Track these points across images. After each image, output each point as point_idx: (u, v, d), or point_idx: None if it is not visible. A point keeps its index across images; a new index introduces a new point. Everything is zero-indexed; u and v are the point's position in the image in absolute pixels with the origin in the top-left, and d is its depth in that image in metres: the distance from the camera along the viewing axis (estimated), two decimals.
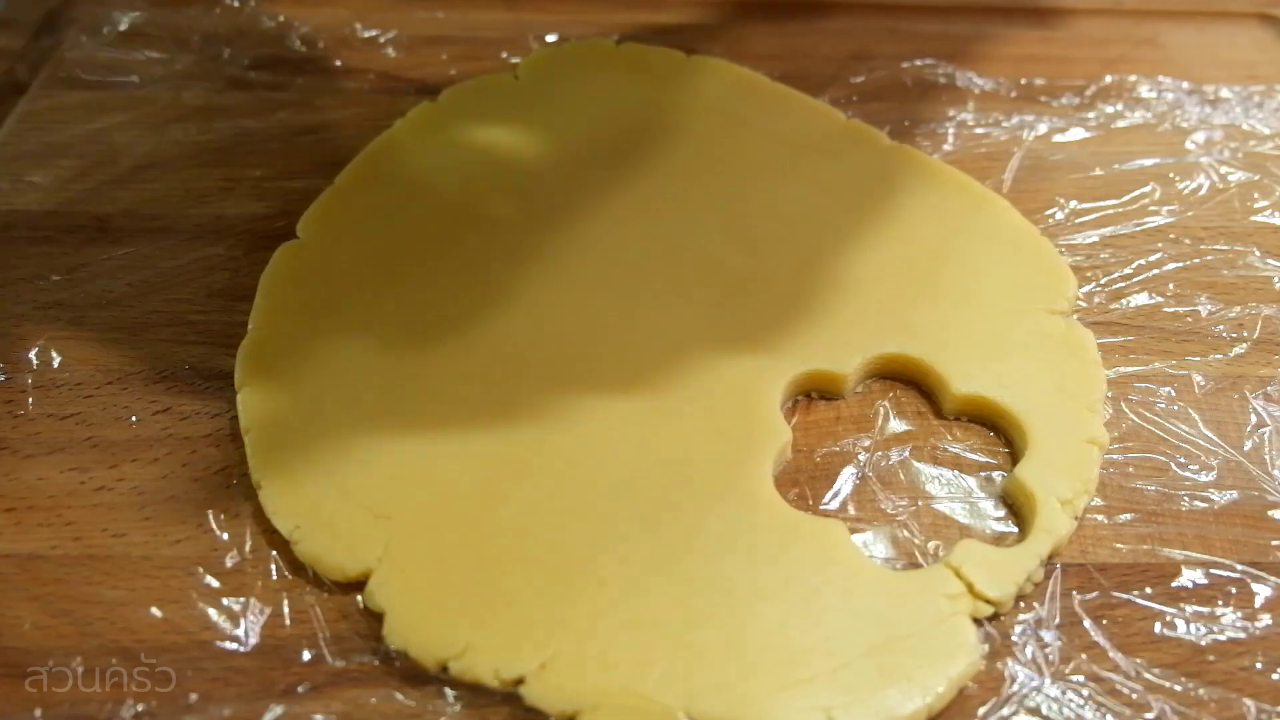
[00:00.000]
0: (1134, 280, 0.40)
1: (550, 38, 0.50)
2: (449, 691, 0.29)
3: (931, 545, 0.32)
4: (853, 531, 0.32)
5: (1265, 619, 0.30)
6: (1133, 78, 0.49)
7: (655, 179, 0.42)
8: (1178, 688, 0.29)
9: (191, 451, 0.34)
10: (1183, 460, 0.34)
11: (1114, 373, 0.37)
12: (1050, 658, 0.29)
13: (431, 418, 0.34)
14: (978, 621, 0.30)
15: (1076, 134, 0.46)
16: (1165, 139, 0.46)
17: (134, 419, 0.35)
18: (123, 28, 0.50)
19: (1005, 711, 0.28)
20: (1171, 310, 0.39)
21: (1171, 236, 0.42)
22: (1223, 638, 0.30)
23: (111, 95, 0.47)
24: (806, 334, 0.36)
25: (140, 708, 0.28)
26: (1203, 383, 0.36)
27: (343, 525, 0.31)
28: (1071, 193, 0.43)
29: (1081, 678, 0.29)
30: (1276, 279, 0.40)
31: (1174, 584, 0.31)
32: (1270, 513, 0.33)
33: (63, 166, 0.44)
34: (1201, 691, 0.29)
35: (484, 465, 0.33)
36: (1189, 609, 0.31)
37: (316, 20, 0.51)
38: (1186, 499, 0.33)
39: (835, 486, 0.34)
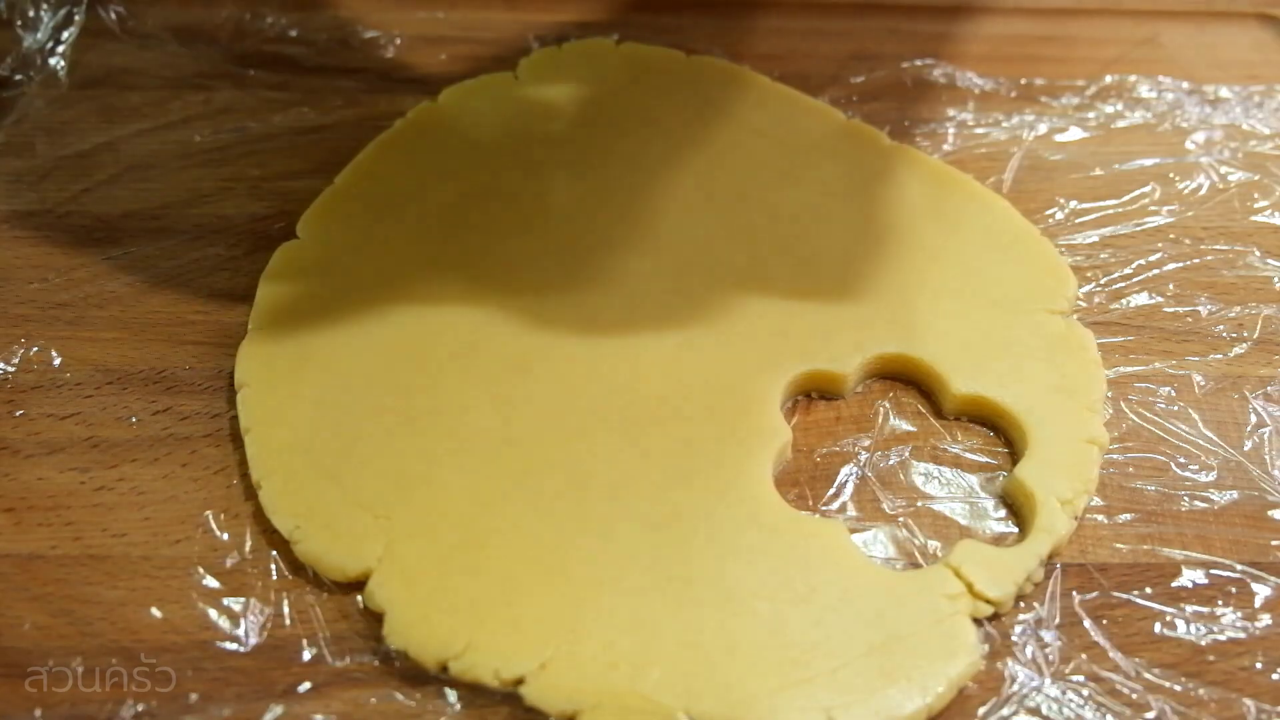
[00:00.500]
0: (1134, 280, 0.40)
1: (550, 38, 0.50)
2: (449, 691, 0.29)
3: (931, 545, 0.32)
4: (853, 531, 0.32)
5: (1265, 619, 0.30)
6: (1133, 78, 0.49)
7: (655, 179, 0.42)
8: (1178, 688, 0.29)
9: (191, 451, 0.34)
10: (1183, 460, 0.34)
11: (1114, 373, 0.37)
12: (1050, 658, 0.29)
13: (432, 418, 0.34)
14: (978, 621, 0.30)
15: (1076, 134, 0.46)
16: (1165, 139, 0.46)
17: (134, 419, 0.35)
18: (123, 28, 0.50)
19: (1005, 711, 0.28)
20: (1171, 310, 0.39)
21: (1171, 236, 0.42)
22: (1223, 638, 0.30)
23: (112, 95, 0.47)
24: (806, 334, 0.36)
25: (140, 708, 0.28)
26: (1203, 383, 0.36)
27: (343, 525, 0.31)
28: (1071, 193, 0.43)
29: (1081, 678, 0.29)
30: (1276, 279, 0.40)
31: (1174, 584, 0.31)
32: (1270, 513, 0.33)
33: (63, 166, 0.44)
34: (1201, 691, 0.29)
35: (484, 465, 0.33)
36: (1189, 609, 0.31)
37: (316, 20, 0.51)
38: (1186, 499, 0.33)
39: (835, 486, 0.34)
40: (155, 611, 0.30)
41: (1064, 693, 0.29)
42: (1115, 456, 0.34)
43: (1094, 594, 0.31)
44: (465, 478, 0.32)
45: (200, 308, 0.38)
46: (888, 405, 0.36)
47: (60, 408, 0.35)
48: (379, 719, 0.28)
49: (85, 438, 0.34)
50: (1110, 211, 0.43)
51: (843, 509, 0.33)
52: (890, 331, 0.36)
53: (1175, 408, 0.36)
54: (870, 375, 0.37)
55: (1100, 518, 0.33)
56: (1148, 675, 0.29)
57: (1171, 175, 0.44)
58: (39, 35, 0.49)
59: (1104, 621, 0.30)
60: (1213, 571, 0.32)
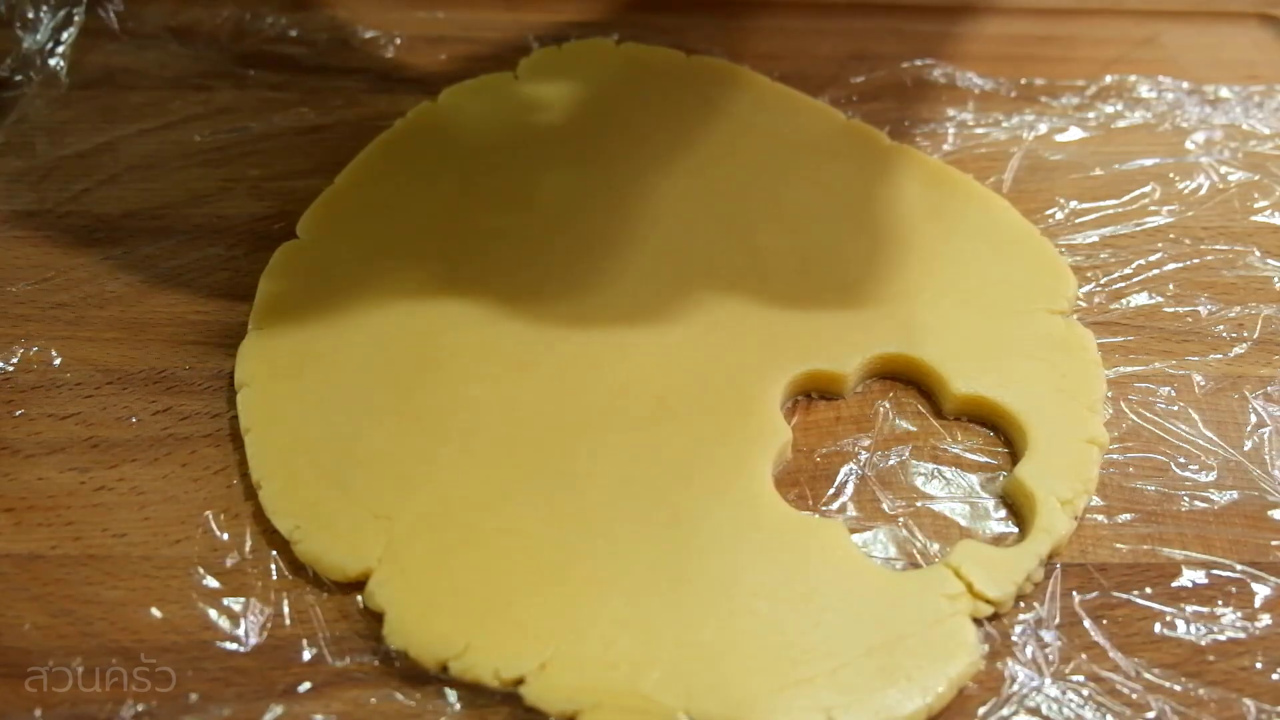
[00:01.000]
0: (1134, 280, 0.40)
1: (550, 38, 0.50)
2: (449, 691, 0.29)
3: (931, 545, 0.32)
4: (853, 531, 0.32)
5: (1265, 619, 0.30)
6: (1133, 78, 0.49)
7: (655, 179, 0.42)
8: (1178, 688, 0.29)
9: (191, 451, 0.34)
10: (1183, 460, 0.34)
11: (1114, 373, 0.37)
12: (1050, 658, 0.29)
13: (432, 417, 0.34)
14: (978, 621, 0.30)
15: (1076, 134, 0.46)
16: (1165, 139, 0.46)
17: (134, 419, 0.35)
18: (123, 28, 0.50)
19: (1005, 711, 0.28)
20: (1171, 310, 0.39)
21: (1171, 236, 0.42)
22: (1223, 638, 0.30)
23: (112, 95, 0.47)
24: (806, 334, 0.36)
25: (140, 708, 0.28)
26: (1203, 383, 0.36)
27: (343, 525, 0.31)
28: (1071, 193, 0.43)
29: (1081, 678, 0.29)
30: (1276, 279, 0.40)
31: (1174, 584, 0.31)
32: (1270, 513, 0.33)
33: (63, 166, 0.44)
34: (1201, 691, 0.29)
35: (484, 465, 0.33)
36: (1189, 609, 0.31)
37: (316, 20, 0.51)
38: (1186, 499, 0.33)
39: (835, 486, 0.34)
40: (155, 611, 0.30)
41: (1064, 693, 0.29)
42: (1115, 456, 0.34)
43: (1094, 594, 0.31)
44: (465, 478, 0.32)
45: (200, 308, 0.38)
46: (888, 405, 0.36)
47: (60, 408, 0.35)
48: (379, 719, 0.28)
49: (85, 438, 0.34)
50: (1110, 211, 0.43)
51: (843, 509, 0.33)
52: (890, 331, 0.36)
53: (1175, 408, 0.36)
54: (870, 375, 0.37)
55: (1100, 518, 0.33)
56: (1148, 675, 0.29)
57: (1171, 175, 0.44)
58: (39, 36, 0.49)
59: (1104, 621, 0.30)
60: (1213, 571, 0.32)
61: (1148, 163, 0.45)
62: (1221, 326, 0.38)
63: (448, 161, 0.43)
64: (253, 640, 0.30)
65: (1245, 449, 0.35)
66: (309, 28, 0.51)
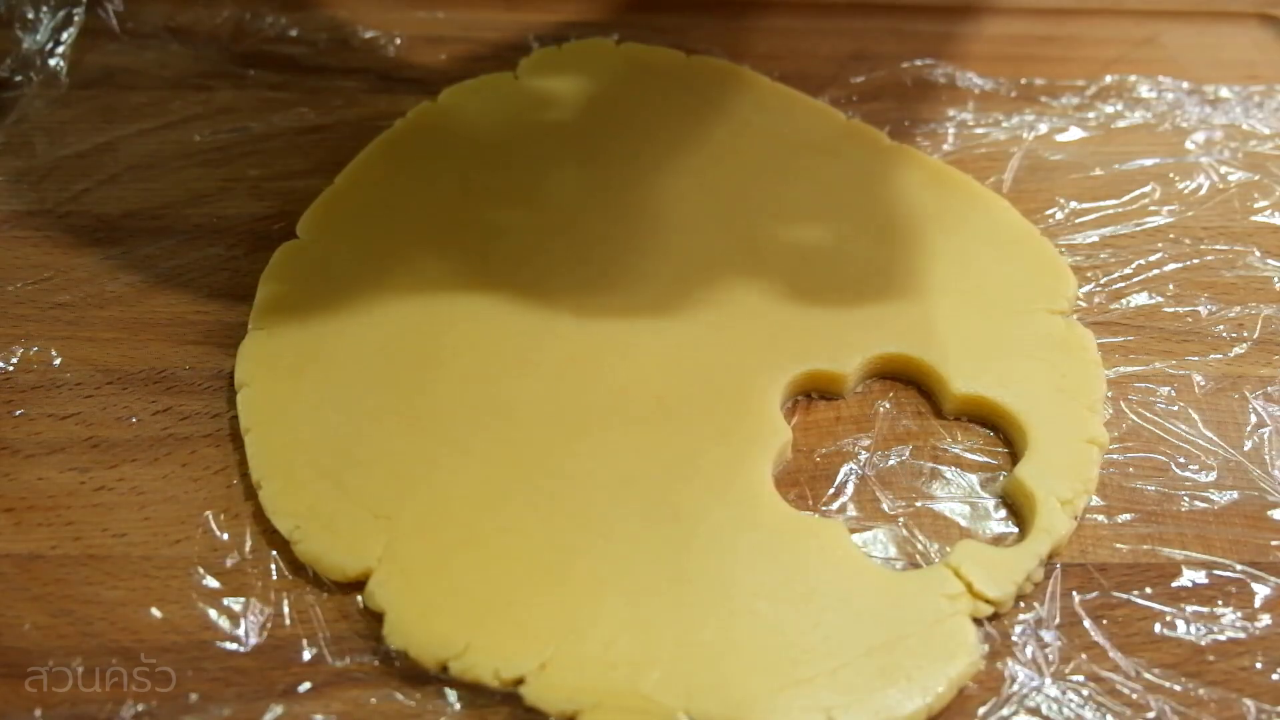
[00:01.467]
0: (1134, 280, 0.40)
1: (550, 38, 0.50)
2: (449, 691, 0.29)
3: (932, 545, 0.32)
4: (853, 531, 0.32)
5: (1265, 619, 0.30)
6: (1133, 78, 0.49)
7: (655, 179, 0.42)
8: (1178, 688, 0.29)
9: (191, 451, 0.34)
10: (1183, 460, 0.34)
11: (1114, 373, 0.37)
12: (1050, 658, 0.29)
13: (432, 417, 0.34)
14: (978, 621, 0.30)
15: (1076, 134, 0.46)
16: (1165, 139, 0.46)
17: (134, 419, 0.35)
18: (123, 28, 0.50)
19: (1005, 711, 0.28)
20: (1171, 310, 0.39)
21: (1171, 236, 0.42)
22: (1223, 638, 0.30)
23: (112, 95, 0.47)
24: (806, 334, 0.36)
25: (140, 708, 0.28)
26: (1203, 383, 0.36)
27: (343, 525, 0.31)
28: (1071, 193, 0.43)
29: (1081, 678, 0.29)
30: (1276, 279, 0.40)
31: (1174, 584, 0.31)
32: (1270, 513, 0.33)
33: (63, 166, 0.44)
34: (1201, 691, 0.29)
35: (484, 464, 0.33)
36: (1189, 609, 0.31)
37: (316, 20, 0.51)
38: (1186, 499, 0.33)
39: (835, 486, 0.34)
40: (155, 611, 0.30)
41: (1064, 693, 0.29)
42: (1115, 456, 0.34)
43: (1094, 594, 0.31)
44: (466, 478, 0.32)
45: (200, 308, 0.38)
46: (888, 405, 0.36)
47: (60, 408, 0.35)
48: (379, 719, 0.28)
49: (85, 438, 0.34)
50: (1110, 211, 0.43)
51: (843, 509, 0.33)
52: (890, 331, 0.36)
53: (1175, 408, 0.36)
54: (870, 375, 0.37)
55: (1100, 518, 0.33)
56: (1148, 675, 0.29)
57: (1171, 175, 0.44)
58: (39, 36, 0.49)
59: (1104, 621, 0.30)
60: (1213, 571, 0.32)
61: (1148, 163, 0.45)
62: (1221, 326, 0.38)
63: (448, 161, 0.43)
64: (253, 640, 0.30)
65: (1245, 449, 0.35)
66: (309, 28, 0.51)
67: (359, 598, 0.30)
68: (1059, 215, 0.42)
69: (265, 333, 0.36)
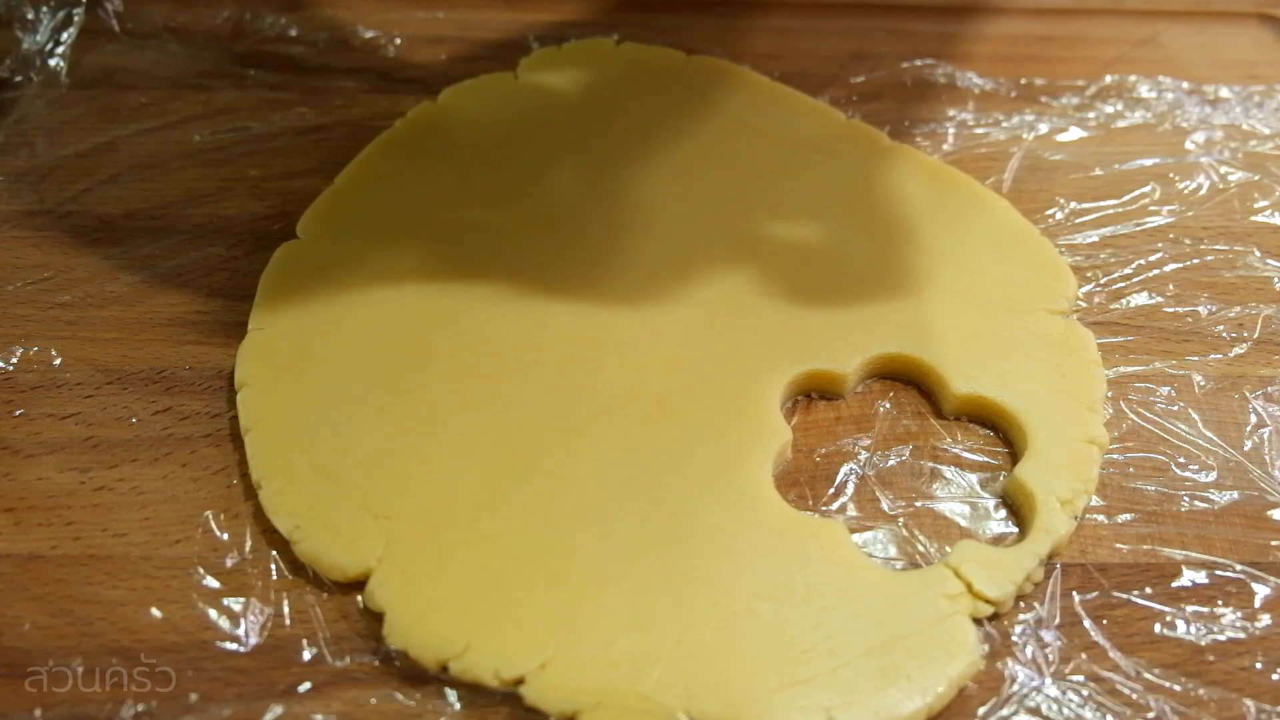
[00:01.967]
0: (1134, 280, 0.40)
1: (550, 38, 0.50)
2: (449, 691, 0.29)
3: (931, 545, 0.32)
4: (853, 531, 0.32)
5: (1265, 619, 0.30)
6: (1133, 78, 0.49)
7: (655, 179, 0.42)
8: (1178, 688, 0.29)
9: (191, 451, 0.34)
10: (1183, 460, 0.34)
11: (1114, 373, 0.37)
12: (1050, 658, 0.29)
13: (431, 417, 0.34)
14: (978, 621, 0.30)
15: (1076, 134, 0.46)
16: (1165, 139, 0.46)
17: (134, 419, 0.35)
18: (123, 28, 0.50)
19: (1005, 711, 0.28)
20: (1171, 310, 0.39)
21: (1171, 236, 0.42)
22: (1223, 638, 0.30)
23: (112, 95, 0.47)
24: (806, 334, 0.36)
25: (140, 708, 0.28)
26: (1203, 383, 0.36)
27: (343, 525, 0.31)
28: (1071, 193, 0.43)
29: (1081, 678, 0.29)
30: (1276, 279, 0.40)
31: (1174, 584, 0.31)
32: (1270, 513, 0.33)
33: (63, 166, 0.44)
34: (1201, 691, 0.29)
35: (484, 465, 0.33)
36: (1189, 609, 0.31)
37: (316, 20, 0.51)
38: (1186, 499, 0.33)
39: (835, 486, 0.34)
40: (155, 611, 0.30)
41: (1064, 693, 0.29)
42: (1115, 456, 0.34)
43: (1094, 594, 0.31)
44: (465, 477, 0.32)
45: (200, 308, 0.38)
46: (888, 405, 0.36)
47: (60, 408, 0.35)
48: (379, 719, 0.28)
49: (85, 438, 0.34)
50: (1110, 211, 0.43)
51: (843, 509, 0.33)
52: (890, 331, 0.36)
53: (1175, 408, 0.36)
54: (870, 375, 0.37)
55: (1100, 518, 0.33)
56: (1148, 675, 0.29)
57: (1171, 175, 0.44)
58: (39, 36, 0.49)
59: (1104, 621, 0.30)
60: (1213, 571, 0.32)
61: (1148, 163, 0.45)
62: (1221, 326, 0.38)
63: (447, 161, 0.43)
64: (253, 640, 0.30)
65: (1245, 449, 0.35)
66: (309, 28, 0.51)
67: (359, 598, 0.30)
68: (1059, 215, 0.42)
69: (265, 333, 0.36)
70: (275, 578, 0.31)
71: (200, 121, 0.46)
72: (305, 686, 0.29)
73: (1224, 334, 0.38)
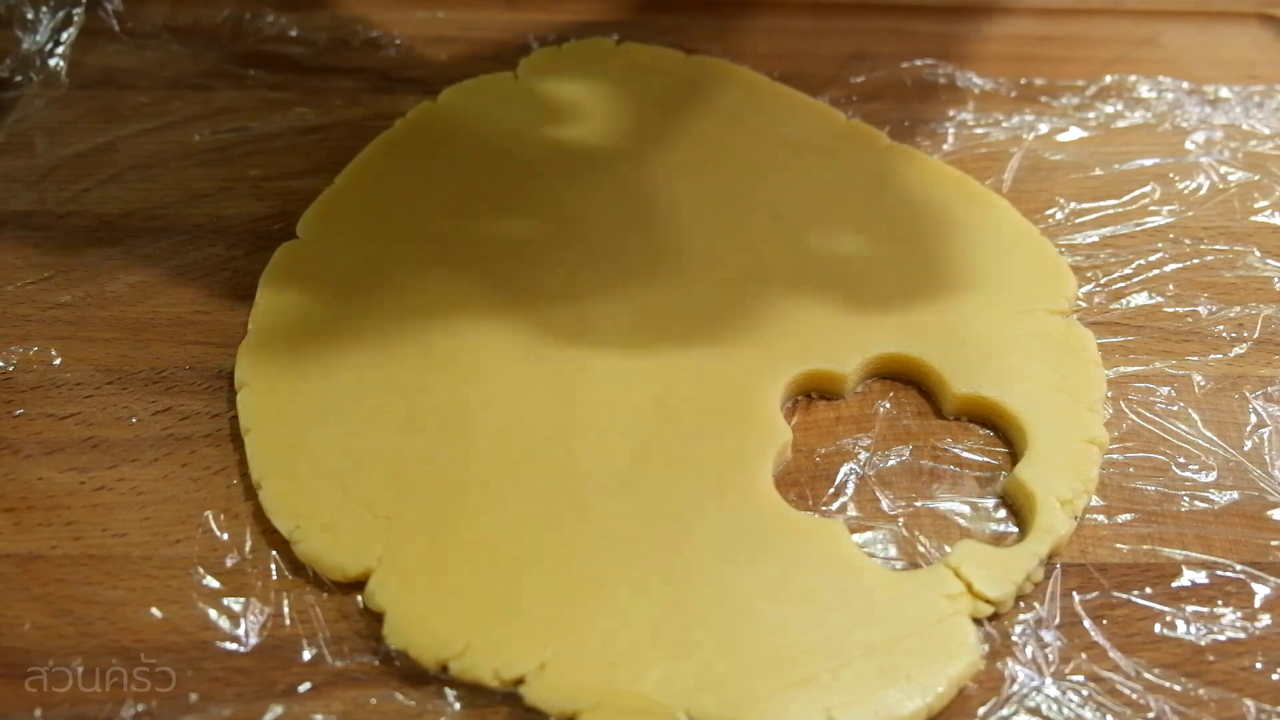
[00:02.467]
0: (1134, 280, 0.40)
1: (550, 38, 0.50)
2: (449, 691, 0.29)
3: (931, 545, 0.32)
4: (853, 531, 0.32)
5: (1265, 619, 0.30)
6: (1133, 78, 0.49)
7: (655, 179, 0.42)
8: (1178, 688, 0.29)
9: (191, 451, 0.34)
10: (1183, 460, 0.34)
11: (1114, 373, 0.37)
12: (1050, 658, 0.29)
13: (431, 417, 0.34)
14: (978, 621, 0.30)
15: (1076, 134, 0.46)
16: (1165, 139, 0.46)
17: (134, 419, 0.35)
18: (123, 28, 0.50)
19: (1005, 711, 0.28)
20: (1171, 310, 0.39)
21: (1171, 236, 0.42)
22: (1223, 638, 0.30)
23: (112, 95, 0.47)
24: (806, 334, 0.36)
25: (140, 708, 0.28)
26: (1203, 383, 0.36)
27: (343, 525, 0.31)
28: (1071, 193, 0.43)
29: (1081, 678, 0.29)
30: (1276, 279, 0.40)
31: (1174, 584, 0.31)
32: (1270, 513, 0.33)
33: (63, 166, 0.44)
34: (1201, 691, 0.29)
35: (484, 465, 0.33)
36: (1189, 609, 0.31)
37: (316, 20, 0.51)
38: (1186, 499, 0.33)
39: (835, 486, 0.34)
40: (155, 611, 0.30)
41: (1064, 693, 0.29)
42: (1115, 456, 0.34)
43: (1094, 594, 0.31)
44: (465, 478, 0.32)
45: (200, 308, 0.38)
46: (888, 405, 0.36)
47: (60, 408, 0.35)
48: (379, 719, 0.28)
49: (85, 438, 0.34)
50: (1110, 211, 0.43)
51: (843, 509, 0.33)
52: (890, 331, 0.36)
53: (1175, 408, 0.36)
54: (870, 375, 0.37)
55: (1100, 518, 0.33)
56: (1148, 675, 0.29)
57: (1171, 175, 0.44)
58: (39, 36, 0.49)
59: (1104, 621, 0.30)
60: (1213, 571, 0.32)
61: (1148, 163, 0.45)
62: (1221, 326, 0.38)
63: (448, 161, 0.43)
64: (253, 640, 0.30)
65: (1245, 449, 0.35)
66: (309, 28, 0.51)
67: (359, 598, 0.30)
68: (1059, 215, 0.42)
69: (265, 333, 0.36)
70: (275, 578, 0.31)
71: (200, 121, 0.46)
72: (305, 686, 0.29)
73: (1224, 334, 0.38)
